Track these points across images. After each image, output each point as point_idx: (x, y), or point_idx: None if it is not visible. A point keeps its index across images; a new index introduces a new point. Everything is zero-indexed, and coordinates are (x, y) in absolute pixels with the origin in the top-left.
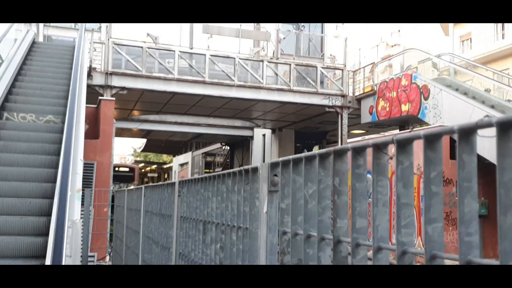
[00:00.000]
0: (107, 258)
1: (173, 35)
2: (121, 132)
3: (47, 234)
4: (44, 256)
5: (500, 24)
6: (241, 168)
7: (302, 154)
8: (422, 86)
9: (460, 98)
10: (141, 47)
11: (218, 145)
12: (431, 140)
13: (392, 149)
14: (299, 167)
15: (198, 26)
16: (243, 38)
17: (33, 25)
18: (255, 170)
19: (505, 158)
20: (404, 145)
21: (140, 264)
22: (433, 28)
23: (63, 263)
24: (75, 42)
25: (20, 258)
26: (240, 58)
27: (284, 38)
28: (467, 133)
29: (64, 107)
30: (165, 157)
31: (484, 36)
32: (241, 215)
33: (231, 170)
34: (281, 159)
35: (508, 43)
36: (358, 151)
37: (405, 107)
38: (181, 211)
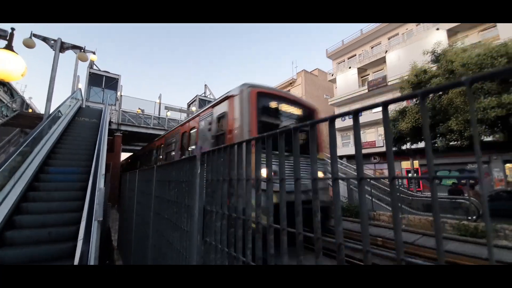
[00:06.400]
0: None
1: (151, 108)
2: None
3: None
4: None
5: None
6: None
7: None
8: None
9: None
10: (135, 113)
11: None
12: None
13: None
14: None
15: (163, 106)
16: (183, 113)
17: (79, 98)
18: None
19: None
20: None
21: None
22: None
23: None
24: (101, 109)
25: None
26: (180, 119)
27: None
28: None
29: (96, 138)
30: None
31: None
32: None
33: (186, 157)
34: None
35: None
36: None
37: None
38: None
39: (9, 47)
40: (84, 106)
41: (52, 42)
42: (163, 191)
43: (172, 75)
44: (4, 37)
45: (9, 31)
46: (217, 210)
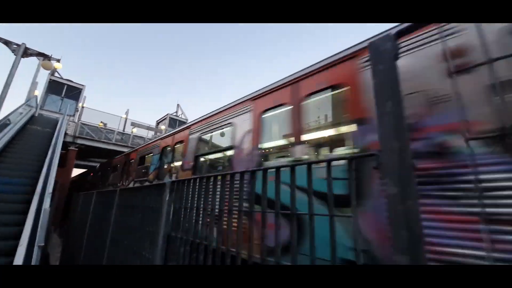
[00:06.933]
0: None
1: (116, 123)
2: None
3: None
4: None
5: None
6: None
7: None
8: None
9: None
10: (97, 126)
11: None
12: None
13: None
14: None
15: (129, 121)
16: (150, 130)
17: (34, 106)
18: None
19: None
20: None
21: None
22: None
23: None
24: (57, 119)
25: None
26: (147, 137)
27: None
28: None
29: (47, 149)
30: None
31: None
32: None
33: (155, 184)
34: (173, 180)
35: None
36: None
37: None
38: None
39: None
40: (37, 114)
41: (15, 46)
42: (124, 216)
43: (142, 93)
44: None
45: None
46: (181, 236)
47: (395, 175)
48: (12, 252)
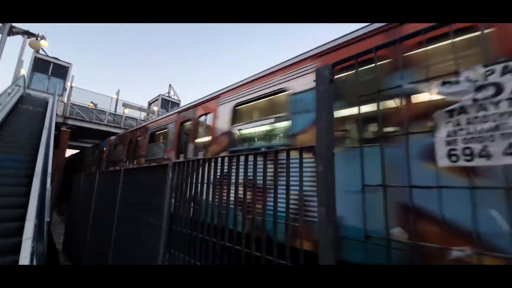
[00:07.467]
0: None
1: (106, 104)
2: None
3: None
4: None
5: None
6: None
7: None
8: None
9: None
10: (87, 107)
11: None
12: None
13: None
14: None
15: (120, 102)
16: (143, 111)
17: (21, 86)
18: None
19: None
20: None
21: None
22: None
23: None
24: (45, 99)
25: None
26: (140, 118)
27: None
28: None
29: (40, 127)
30: None
31: None
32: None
33: (157, 164)
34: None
35: None
36: None
37: None
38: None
39: None
40: (24, 94)
41: (0, 25)
42: (131, 192)
43: (134, 73)
44: None
45: None
46: (182, 204)
47: (323, 159)
48: (21, 227)
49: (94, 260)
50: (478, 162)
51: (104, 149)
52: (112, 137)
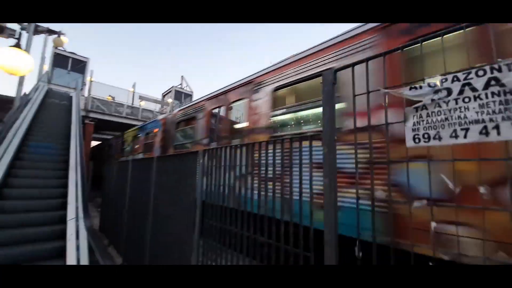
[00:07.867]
0: None
1: (124, 97)
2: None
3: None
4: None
5: None
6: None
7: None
8: None
9: None
10: (106, 100)
11: None
12: None
13: None
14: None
15: (136, 95)
16: (157, 103)
17: (46, 82)
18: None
19: None
20: None
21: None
22: None
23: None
24: (68, 93)
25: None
26: (156, 111)
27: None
28: None
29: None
30: None
31: None
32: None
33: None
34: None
35: None
36: None
37: None
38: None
39: (18, 45)
40: (48, 89)
41: (26, 24)
42: (164, 178)
43: (149, 66)
44: (13, 36)
45: (19, 31)
46: (214, 185)
47: (327, 142)
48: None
49: (130, 238)
50: (433, 143)
51: (155, 130)
52: (166, 115)
